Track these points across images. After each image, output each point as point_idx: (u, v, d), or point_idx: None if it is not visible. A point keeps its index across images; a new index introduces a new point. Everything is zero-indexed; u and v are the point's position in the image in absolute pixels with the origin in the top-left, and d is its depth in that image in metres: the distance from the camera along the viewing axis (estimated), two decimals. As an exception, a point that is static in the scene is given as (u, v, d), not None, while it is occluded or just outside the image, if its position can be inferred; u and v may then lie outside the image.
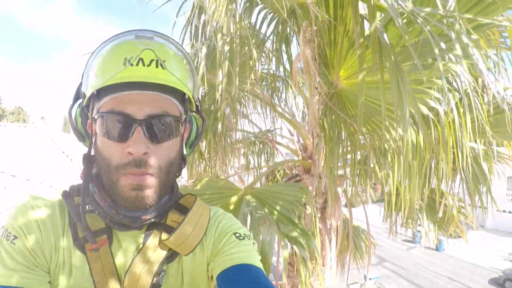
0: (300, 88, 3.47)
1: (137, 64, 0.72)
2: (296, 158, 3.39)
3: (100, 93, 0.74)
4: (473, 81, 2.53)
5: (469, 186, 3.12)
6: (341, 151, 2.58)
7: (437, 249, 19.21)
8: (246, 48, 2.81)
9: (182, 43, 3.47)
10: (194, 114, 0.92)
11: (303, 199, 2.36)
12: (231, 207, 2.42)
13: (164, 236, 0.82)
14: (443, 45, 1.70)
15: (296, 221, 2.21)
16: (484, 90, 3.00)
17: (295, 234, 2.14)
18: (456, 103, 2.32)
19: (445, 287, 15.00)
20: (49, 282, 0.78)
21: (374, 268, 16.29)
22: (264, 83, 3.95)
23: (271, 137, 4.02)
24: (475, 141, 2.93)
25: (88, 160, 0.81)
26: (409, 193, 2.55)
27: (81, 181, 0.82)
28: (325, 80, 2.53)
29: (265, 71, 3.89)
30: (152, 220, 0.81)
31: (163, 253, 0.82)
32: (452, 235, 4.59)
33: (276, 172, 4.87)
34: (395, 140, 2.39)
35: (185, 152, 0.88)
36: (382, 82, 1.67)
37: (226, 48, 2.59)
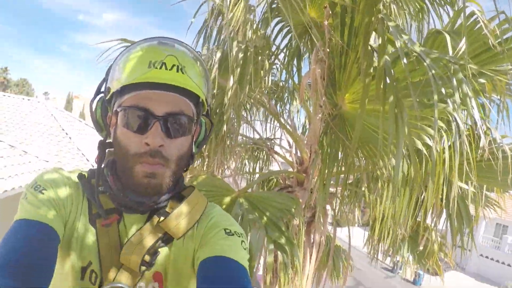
0: (305, 103, 3.56)
1: (160, 68, 0.81)
2: (291, 169, 3.48)
3: (124, 90, 0.83)
4: (470, 127, 2.62)
5: (452, 225, 3.19)
6: (335, 170, 2.67)
7: (414, 283, 19.16)
8: (260, 58, 2.90)
9: (197, 44, 3.55)
10: (204, 117, 1.01)
11: (293, 209, 2.45)
12: (224, 206, 2.49)
13: (160, 219, 0.90)
14: (443, 90, 1.80)
15: (284, 229, 2.30)
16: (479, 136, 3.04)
17: (282, 241, 2.22)
18: (450, 145, 2.39)
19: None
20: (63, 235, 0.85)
21: (349, 290, 16.28)
22: (269, 92, 4.03)
23: (270, 146, 4.11)
24: (466, 183, 2.99)
25: (103, 146, 0.91)
26: (394, 221, 2.63)
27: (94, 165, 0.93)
28: (330, 100, 2.62)
29: (275, 80, 3.98)
30: (155, 206, 0.89)
31: (157, 235, 0.89)
32: (429, 271, 4.65)
33: (268, 181, 4.93)
34: (388, 168, 2.48)
35: (193, 150, 0.97)
36: (382, 113, 1.77)
37: (240, 55, 2.69)
